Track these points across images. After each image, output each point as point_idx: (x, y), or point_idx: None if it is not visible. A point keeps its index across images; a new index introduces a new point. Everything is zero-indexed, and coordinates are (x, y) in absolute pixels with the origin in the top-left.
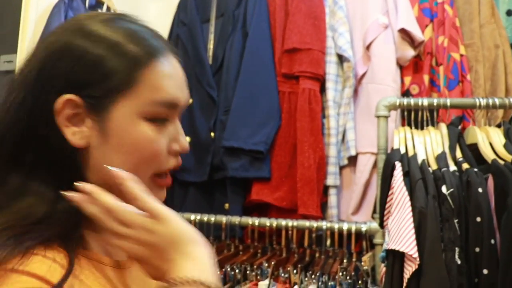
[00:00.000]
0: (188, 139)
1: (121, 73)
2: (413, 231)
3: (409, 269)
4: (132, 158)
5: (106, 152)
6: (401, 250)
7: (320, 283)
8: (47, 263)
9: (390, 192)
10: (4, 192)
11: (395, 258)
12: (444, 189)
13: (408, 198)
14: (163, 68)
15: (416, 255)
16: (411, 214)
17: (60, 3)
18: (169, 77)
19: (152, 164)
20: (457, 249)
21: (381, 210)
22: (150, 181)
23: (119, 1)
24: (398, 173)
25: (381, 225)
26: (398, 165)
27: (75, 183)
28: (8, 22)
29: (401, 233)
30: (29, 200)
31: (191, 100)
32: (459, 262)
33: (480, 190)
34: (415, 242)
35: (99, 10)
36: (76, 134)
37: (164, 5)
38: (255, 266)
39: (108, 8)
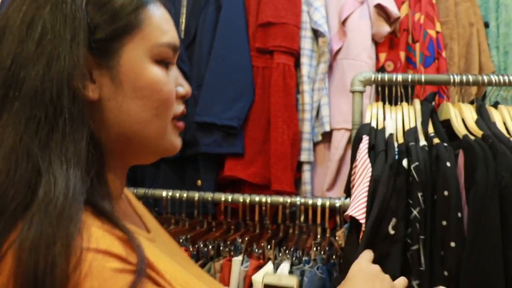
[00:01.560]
0: None
1: (129, 12)
2: (366, 198)
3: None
4: (151, 102)
5: (122, 100)
6: (350, 214)
7: (294, 259)
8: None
9: (354, 165)
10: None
11: (352, 225)
12: (404, 162)
13: (370, 169)
14: (162, 11)
15: (363, 221)
16: (368, 183)
17: None
18: (169, 20)
19: (170, 107)
20: (393, 220)
21: (347, 183)
22: (172, 125)
23: None
24: (363, 145)
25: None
26: (365, 138)
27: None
28: None
29: (356, 200)
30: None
31: None
32: (392, 232)
33: (448, 164)
34: (365, 209)
35: None
36: (87, 87)
37: None
38: (228, 242)
39: None
